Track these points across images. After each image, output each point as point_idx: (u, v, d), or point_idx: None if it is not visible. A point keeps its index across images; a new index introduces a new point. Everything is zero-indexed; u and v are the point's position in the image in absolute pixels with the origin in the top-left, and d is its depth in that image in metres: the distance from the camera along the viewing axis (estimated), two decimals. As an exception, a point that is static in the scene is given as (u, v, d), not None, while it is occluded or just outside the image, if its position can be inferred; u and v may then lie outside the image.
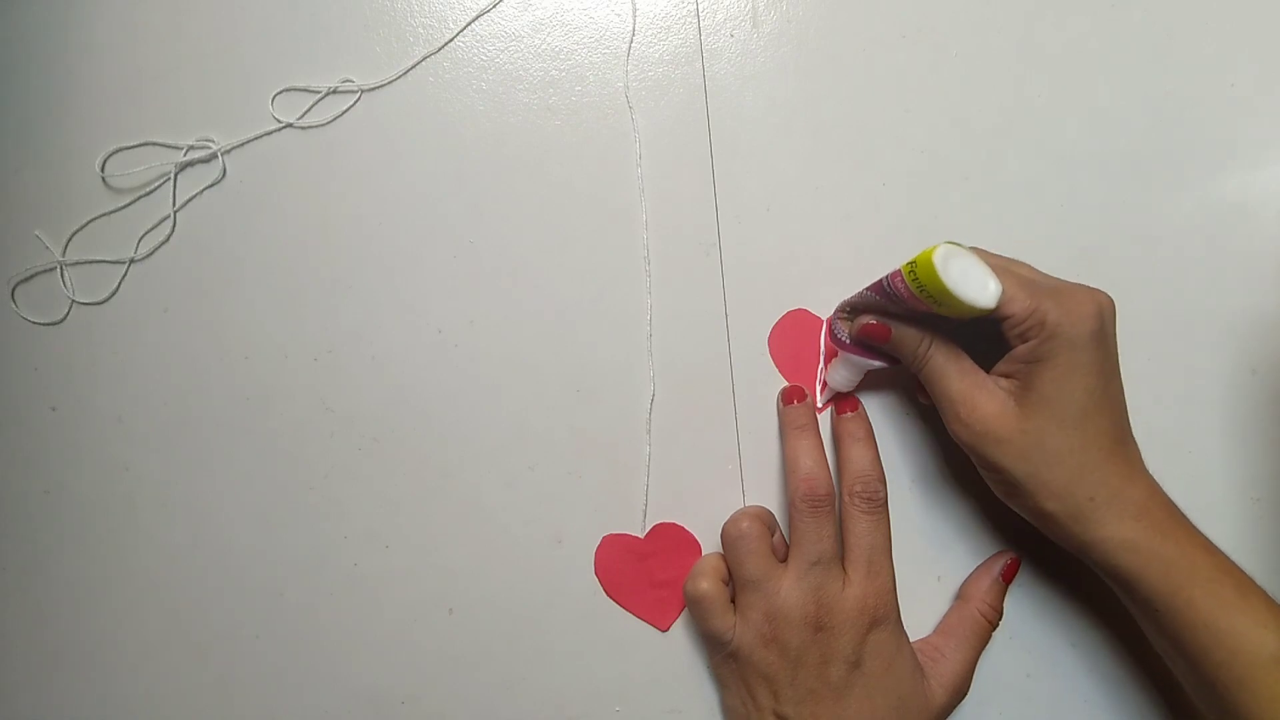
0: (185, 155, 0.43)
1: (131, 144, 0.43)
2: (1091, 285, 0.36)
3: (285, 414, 0.42)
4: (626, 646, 0.40)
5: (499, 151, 0.42)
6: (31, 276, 0.43)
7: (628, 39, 0.43)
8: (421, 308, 0.42)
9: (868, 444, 0.38)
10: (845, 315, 0.39)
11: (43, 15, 0.44)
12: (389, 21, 0.43)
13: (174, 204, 0.43)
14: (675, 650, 0.40)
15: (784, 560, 0.37)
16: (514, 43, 0.43)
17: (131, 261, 0.43)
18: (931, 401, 0.38)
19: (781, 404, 0.40)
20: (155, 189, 0.43)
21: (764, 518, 0.39)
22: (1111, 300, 0.35)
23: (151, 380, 0.42)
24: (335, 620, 0.41)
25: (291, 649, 0.41)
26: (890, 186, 0.42)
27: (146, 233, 0.43)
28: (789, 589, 0.36)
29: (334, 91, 0.43)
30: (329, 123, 0.43)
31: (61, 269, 0.43)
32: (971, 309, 0.33)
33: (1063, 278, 0.41)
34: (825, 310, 0.41)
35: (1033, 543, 0.40)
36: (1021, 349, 0.34)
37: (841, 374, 0.39)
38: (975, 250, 0.34)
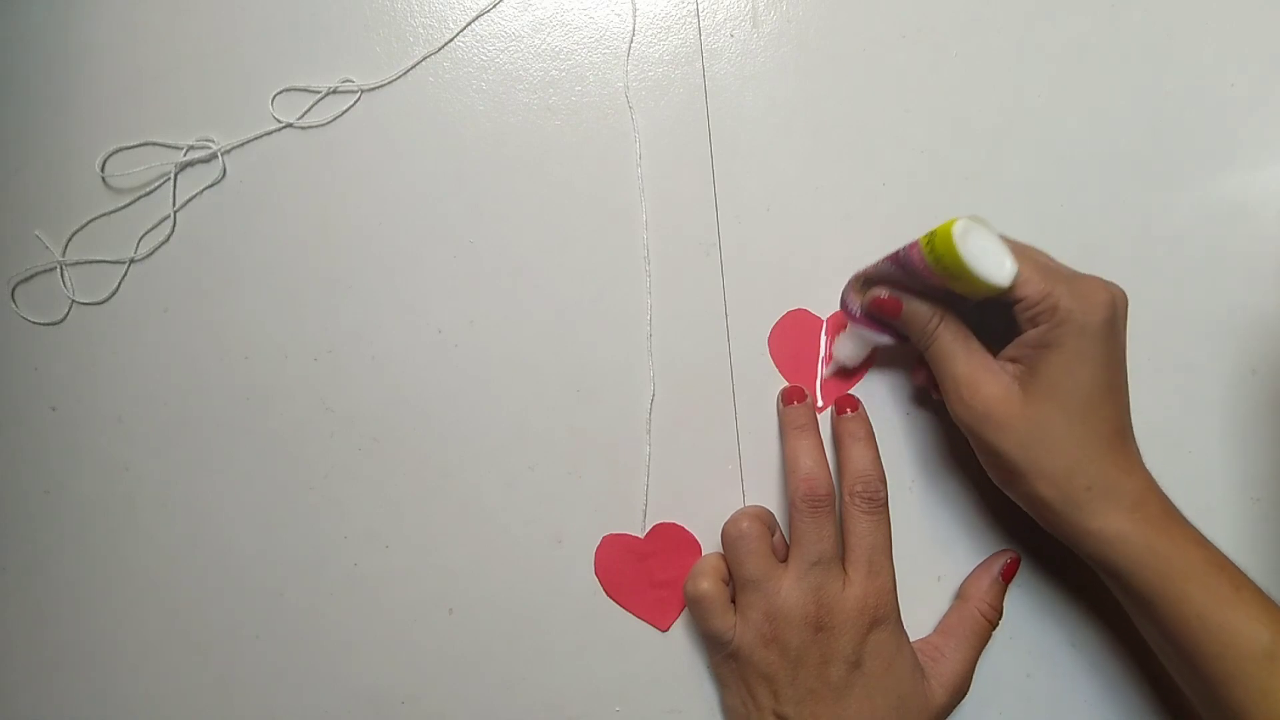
0: (185, 155, 0.43)
1: (131, 144, 0.43)
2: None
3: (285, 414, 0.42)
4: (626, 646, 0.40)
5: (499, 151, 0.42)
6: (31, 276, 0.43)
7: (628, 39, 0.43)
8: (421, 308, 0.42)
9: (868, 444, 0.38)
10: (858, 287, 0.39)
11: (43, 15, 0.44)
12: (389, 21, 0.43)
13: (174, 204, 0.43)
14: (675, 650, 0.40)
15: (784, 560, 0.37)
16: (514, 43, 0.43)
17: (131, 261, 0.43)
18: (931, 386, 0.38)
19: (781, 404, 0.40)
20: (155, 189, 0.43)
21: (764, 518, 0.39)
22: (1124, 294, 0.35)
23: (151, 380, 0.42)
24: (335, 620, 0.41)
25: (291, 649, 0.41)
26: (890, 186, 0.42)
27: (146, 233, 0.43)
28: (789, 589, 0.36)
29: (334, 91, 0.43)
30: (329, 123, 0.43)
31: (61, 269, 0.43)
32: (986, 286, 0.33)
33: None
34: (825, 310, 0.41)
35: (1033, 542, 0.40)
36: (1031, 334, 0.34)
37: (848, 347, 0.39)
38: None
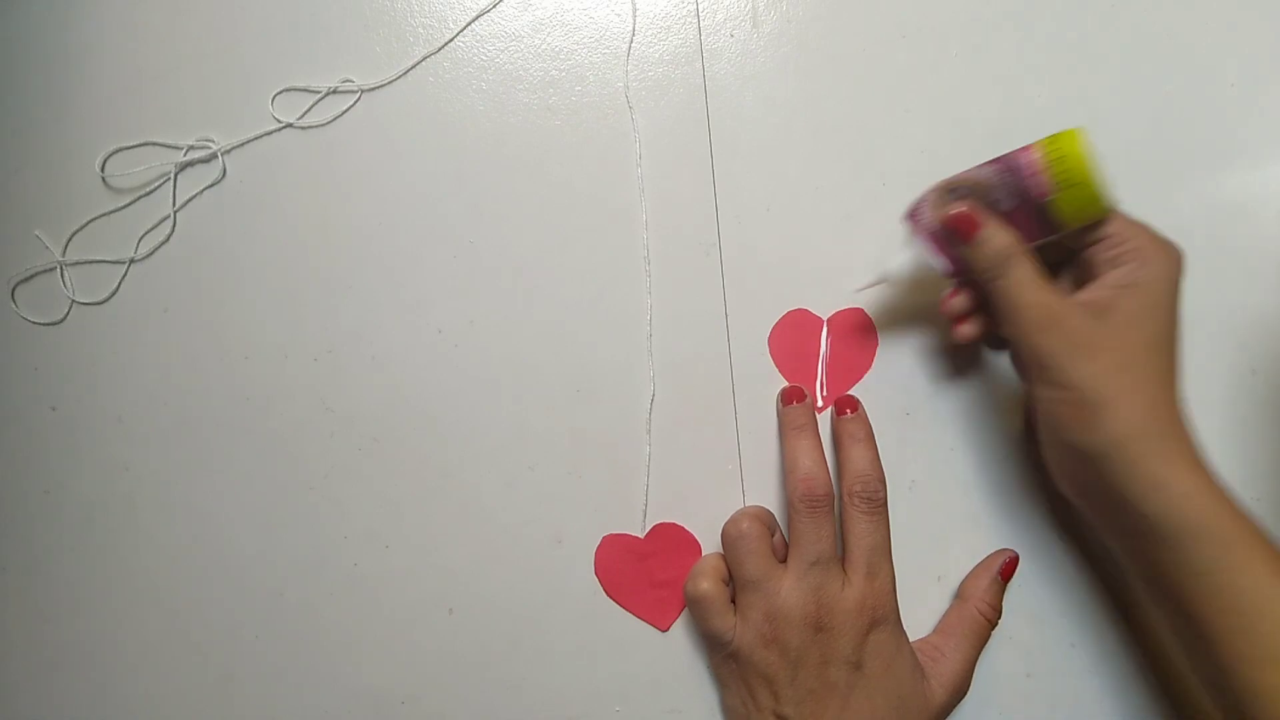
0: (185, 155, 0.43)
1: (131, 144, 0.43)
2: None
3: (285, 414, 0.42)
4: (626, 646, 0.40)
5: (499, 151, 0.42)
6: (31, 276, 0.43)
7: (628, 39, 0.43)
8: (421, 308, 0.42)
9: (868, 444, 0.38)
10: (938, 198, 0.37)
11: (43, 15, 0.44)
12: (389, 21, 0.43)
13: (174, 204, 0.43)
14: (675, 650, 0.40)
15: (784, 560, 0.37)
16: (514, 43, 0.43)
17: (131, 261, 0.43)
18: (985, 330, 0.37)
19: (781, 404, 0.40)
20: (155, 189, 0.43)
21: (764, 518, 0.39)
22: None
23: (151, 380, 0.42)
24: (335, 620, 0.41)
25: (291, 649, 0.41)
26: (890, 186, 0.42)
27: (146, 233, 0.43)
28: (789, 589, 0.36)
29: (334, 91, 0.43)
30: (329, 123, 0.43)
31: (61, 269, 0.43)
32: (1097, 202, 0.33)
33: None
34: (826, 309, 0.41)
35: (1033, 543, 0.40)
36: (1115, 274, 0.34)
37: (900, 261, 0.38)
38: None
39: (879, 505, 0.37)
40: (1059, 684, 0.40)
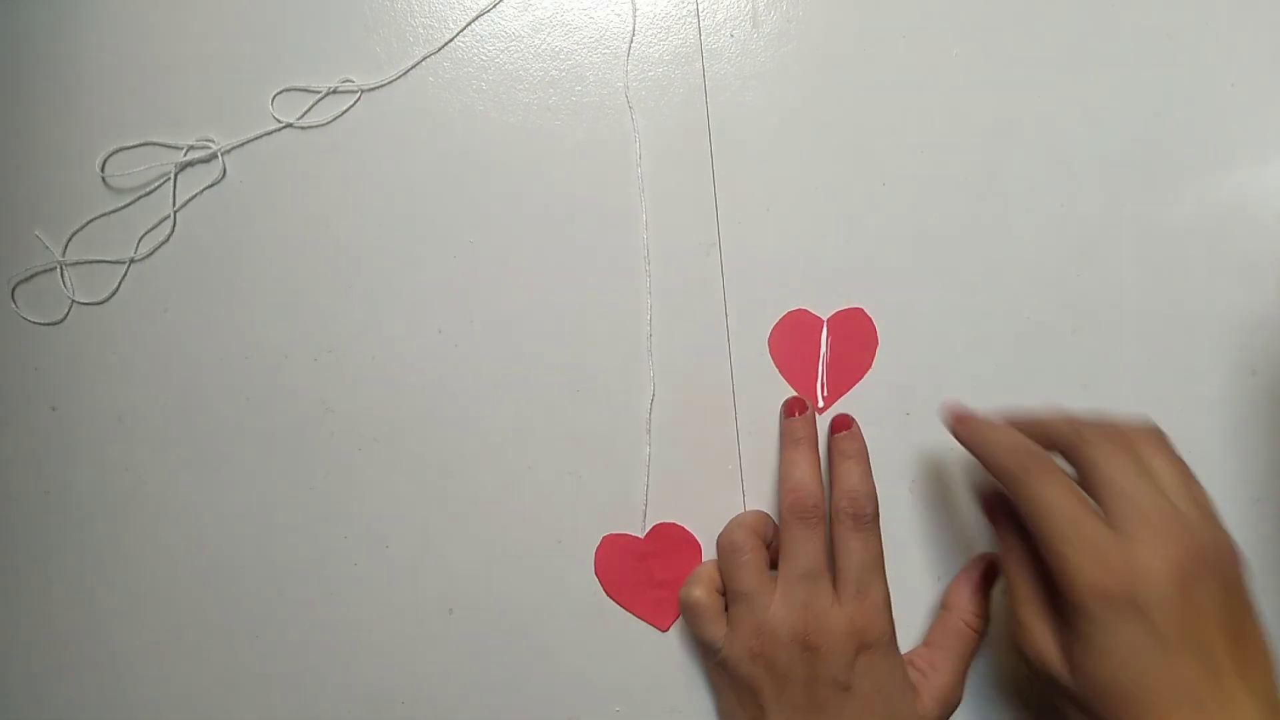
0: (185, 155, 0.43)
1: (131, 144, 0.43)
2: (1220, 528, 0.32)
3: (285, 414, 0.42)
4: (626, 646, 0.40)
5: (499, 151, 0.42)
6: (31, 276, 0.43)
7: (628, 39, 0.43)
8: (421, 308, 0.42)
9: (858, 461, 0.38)
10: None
11: (43, 15, 0.44)
12: (389, 21, 0.43)
13: (174, 204, 0.43)
14: (675, 650, 0.40)
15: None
16: (514, 43, 0.43)
17: (131, 261, 0.43)
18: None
19: (783, 416, 0.40)
20: (155, 189, 0.43)
21: (759, 528, 0.38)
22: (1222, 543, 0.31)
23: (151, 380, 0.42)
24: (335, 620, 0.41)
25: (291, 649, 0.41)
26: (890, 186, 0.42)
27: (146, 233, 0.43)
28: (778, 605, 0.36)
29: (334, 91, 0.43)
30: (329, 123, 0.43)
31: (61, 269, 0.43)
32: None
33: (1063, 277, 0.41)
34: (826, 309, 0.41)
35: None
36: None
37: None
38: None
39: (865, 522, 0.36)
40: (1059, 684, 0.40)
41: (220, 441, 0.42)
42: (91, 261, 0.43)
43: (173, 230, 0.43)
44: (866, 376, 0.41)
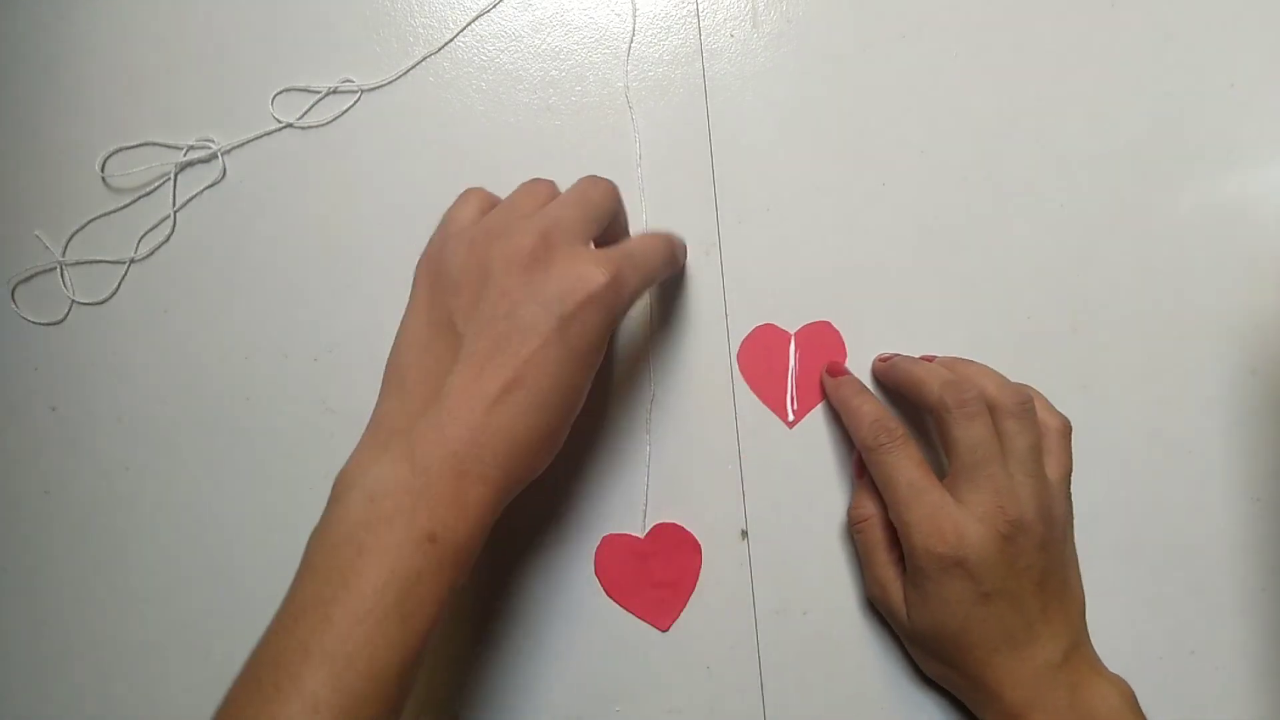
0: (185, 155, 0.43)
1: (131, 144, 0.43)
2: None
3: (285, 414, 0.42)
4: (626, 646, 0.40)
5: (499, 151, 0.42)
6: (31, 276, 0.43)
7: (628, 39, 0.43)
8: (421, 308, 0.42)
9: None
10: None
11: (43, 15, 0.44)
12: (389, 21, 0.43)
13: (174, 204, 0.43)
14: (675, 650, 0.40)
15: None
16: (514, 43, 0.43)
17: (131, 261, 0.43)
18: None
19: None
20: (155, 189, 0.43)
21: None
22: (1046, 511, 0.35)
23: (151, 380, 0.42)
24: (335, 620, 0.41)
25: (291, 649, 0.41)
26: (890, 186, 0.42)
27: (146, 233, 0.43)
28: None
29: (334, 91, 0.43)
30: (329, 123, 0.43)
31: (61, 269, 0.43)
32: None
33: (1063, 277, 0.41)
34: (827, 310, 0.41)
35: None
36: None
37: None
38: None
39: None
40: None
41: (220, 441, 0.42)
42: (91, 261, 0.43)
43: (173, 230, 0.43)
44: (865, 378, 0.41)
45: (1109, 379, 0.41)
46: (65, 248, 0.43)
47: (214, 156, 0.43)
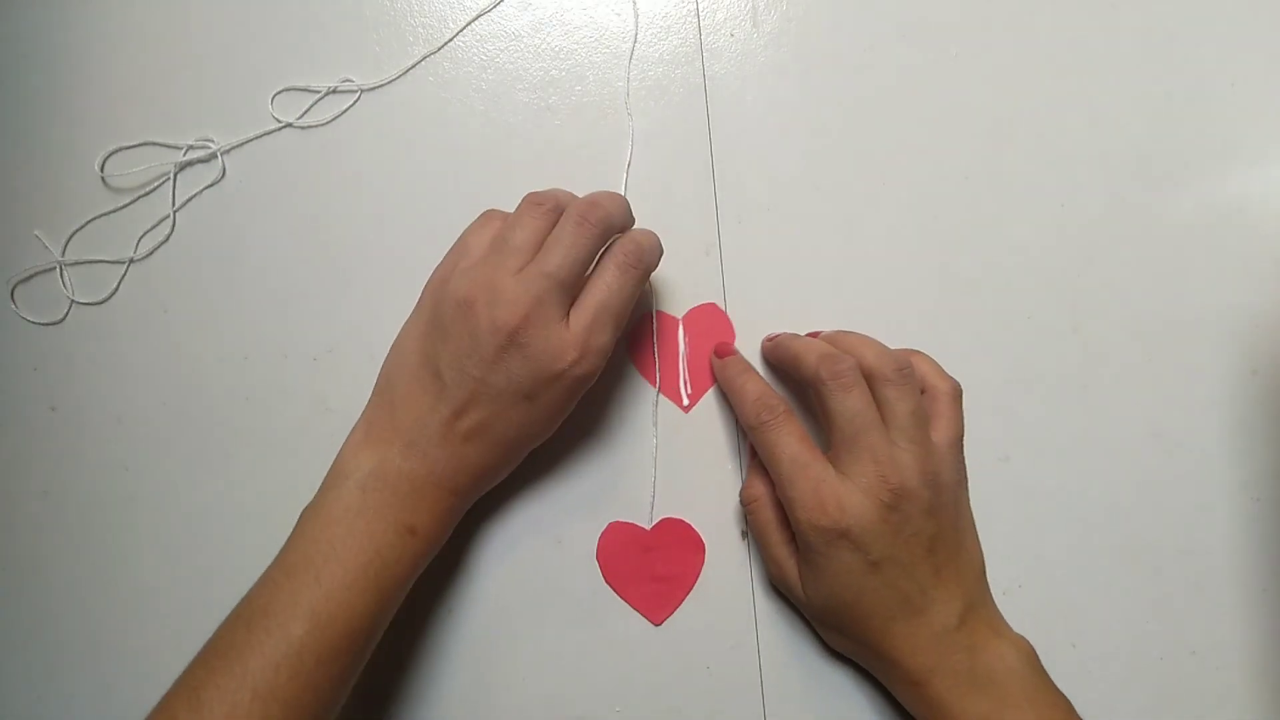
0: (185, 155, 0.43)
1: (131, 144, 0.43)
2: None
3: (285, 414, 0.42)
4: (626, 646, 0.40)
5: (499, 151, 0.42)
6: (31, 276, 0.43)
7: (627, 38, 0.43)
8: (421, 308, 0.42)
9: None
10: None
11: (43, 15, 0.44)
12: (389, 21, 0.43)
13: (173, 204, 0.43)
14: (675, 650, 0.40)
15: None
16: (514, 42, 0.43)
17: (131, 261, 0.43)
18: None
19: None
20: (155, 189, 0.43)
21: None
22: (931, 477, 0.35)
23: (151, 380, 0.42)
24: (335, 620, 0.41)
25: (291, 649, 0.41)
26: (890, 186, 0.42)
27: (146, 233, 0.43)
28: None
29: (334, 91, 0.43)
30: (329, 123, 0.43)
31: (61, 269, 0.43)
32: None
33: (1063, 277, 0.41)
34: (827, 308, 0.41)
35: (1032, 544, 0.40)
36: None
37: None
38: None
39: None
40: (1059, 684, 0.40)
41: (220, 441, 0.42)
42: (91, 261, 0.43)
43: (172, 230, 0.43)
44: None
45: (1109, 379, 0.41)
46: (65, 248, 0.43)
47: (213, 156, 0.43)
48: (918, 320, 0.41)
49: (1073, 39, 0.43)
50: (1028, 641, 0.36)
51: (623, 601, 0.40)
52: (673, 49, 0.43)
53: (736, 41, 0.43)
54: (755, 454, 0.39)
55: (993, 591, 0.39)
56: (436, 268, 0.38)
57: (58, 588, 0.42)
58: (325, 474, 0.37)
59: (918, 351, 0.38)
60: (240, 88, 0.43)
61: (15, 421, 0.42)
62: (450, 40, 0.43)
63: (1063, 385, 0.41)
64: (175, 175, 0.43)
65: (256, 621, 0.32)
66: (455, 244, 0.38)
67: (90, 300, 0.43)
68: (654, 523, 0.40)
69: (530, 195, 0.36)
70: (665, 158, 0.42)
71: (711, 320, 0.41)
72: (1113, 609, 0.40)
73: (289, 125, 0.43)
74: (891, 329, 0.41)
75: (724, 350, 0.40)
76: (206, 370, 0.42)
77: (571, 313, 0.35)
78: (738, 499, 0.41)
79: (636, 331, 0.41)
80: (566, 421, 0.37)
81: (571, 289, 0.35)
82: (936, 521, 0.35)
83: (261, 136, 0.43)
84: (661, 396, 0.41)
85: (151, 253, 0.43)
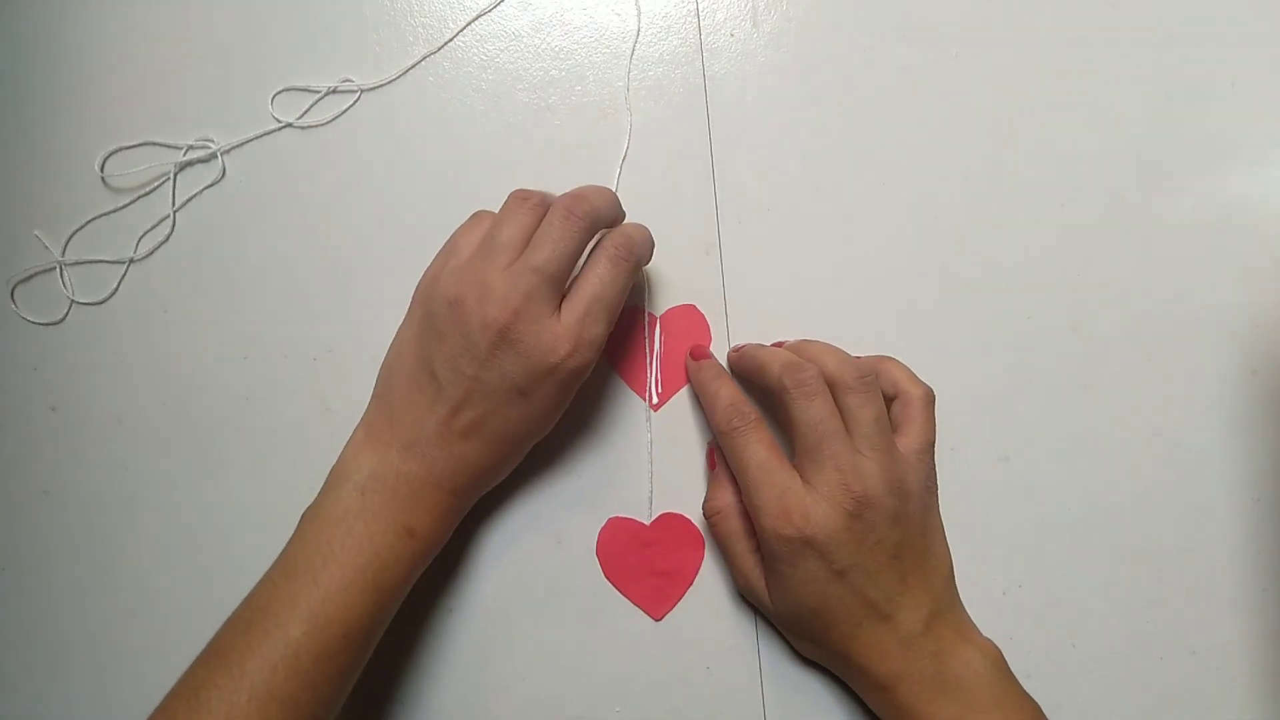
0: (185, 155, 0.43)
1: (131, 144, 0.43)
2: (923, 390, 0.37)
3: (285, 414, 0.42)
4: (626, 646, 0.40)
5: (499, 151, 0.42)
6: (31, 276, 0.43)
7: (627, 38, 0.43)
8: (421, 308, 0.42)
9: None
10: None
11: (43, 15, 0.44)
12: (389, 21, 0.43)
13: (173, 204, 0.43)
14: (676, 650, 0.40)
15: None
16: (514, 42, 0.43)
17: (131, 261, 0.43)
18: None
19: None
20: (155, 189, 0.43)
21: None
22: (896, 485, 0.35)
23: (151, 380, 0.42)
24: (335, 620, 0.41)
25: (291, 649, 0.41)
26: (890, 186, 0.42)
27: (146, 233, 0.43)
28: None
29: (334, 91, 0.43)
30: (329, 122, 0.43)
31: (61, 269, 0.43)
32: None
33: (1063, 277, 0.41)
34: (827, 308, 0.41)
35: (1032, 544, 0.40)
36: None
37: None
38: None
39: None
40: (1059, 684, 0.40)
41: (220, 441, 0.42)
42: (91, 261, 0.43)
43: (172, 230, 0.43)
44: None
45: (1109, 379, 0.41)
46: (65, 247, 0.43)
47: (213, 156, 0.43)
48: (917, 320, 0.41)
49: (1073, 39, 0.43)
50: (995, 646, 0.36)
51: (623, 599, 0.40)
52: (673, 49, 0.43)
53: (736, 41, 0.43)
54: (714, 465, 0.39)
55: (992, 591, 0.39)
56: (427, 268, 0.38)
57: (58, 588, 0.42)
58: (326, 474, 0.37)
59: (889, 358, 0.38)
60: (240, 88, 0.43)
61: (15, 421, 0.42)
62: (450, 40, 0.43)
63: (1063, 385, 0.41)
64: (175, 175, 0.43)
65: (255, 623, 0.32)
66: (445, 244, 0.38)
67: (90, 300, 0.43)
68: (653, 518, 0.40)
69: (516, 191, 0.36)
70: (665, 157, 0.42)
71: (688, 321, 0.41)
72: (1113, 609, 0.40)
73: (289, 125, 0.43)
74: (891, 329, 0.41)
75: (699, 353, 0.40)
76: (206, 370, 0.42)
77: (563, 306, 0.35)
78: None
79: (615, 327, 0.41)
80: (563, 417, 0.38)
81: (561, 283, 0.35)
82: (902, 528, 0.35)
83: (261, 136, 0.43)
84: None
85: (151, 253, 0.43)
